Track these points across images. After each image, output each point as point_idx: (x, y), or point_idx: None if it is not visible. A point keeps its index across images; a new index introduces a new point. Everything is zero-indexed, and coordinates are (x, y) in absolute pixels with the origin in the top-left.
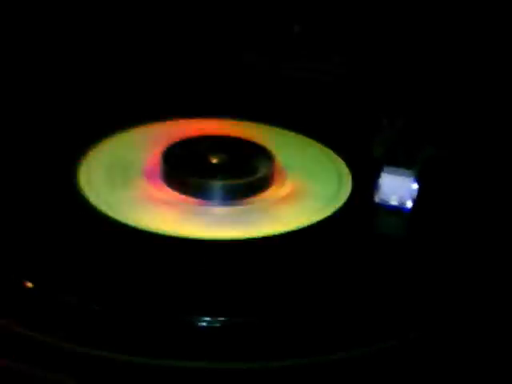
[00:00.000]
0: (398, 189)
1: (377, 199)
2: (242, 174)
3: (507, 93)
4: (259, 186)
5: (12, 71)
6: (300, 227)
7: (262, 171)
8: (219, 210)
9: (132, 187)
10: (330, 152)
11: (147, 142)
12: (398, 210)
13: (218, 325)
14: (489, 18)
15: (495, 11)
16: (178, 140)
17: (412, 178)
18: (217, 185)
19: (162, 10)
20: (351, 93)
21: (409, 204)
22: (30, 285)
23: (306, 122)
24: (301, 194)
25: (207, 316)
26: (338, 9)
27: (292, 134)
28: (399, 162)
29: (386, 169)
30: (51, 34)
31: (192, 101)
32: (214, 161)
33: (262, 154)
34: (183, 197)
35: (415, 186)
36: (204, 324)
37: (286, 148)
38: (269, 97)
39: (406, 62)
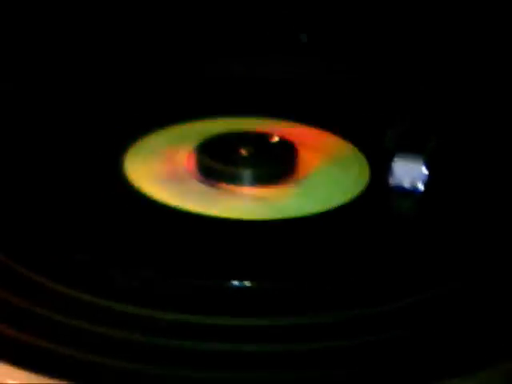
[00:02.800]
0: (409, 173)
1: (391, 183)
2: (267, 163)
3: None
4: (282, 174)
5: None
6: (326, 209)
7: (284, 162)
8: (252, 193)
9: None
10: (350, 145)
11: (186, 138)
12: (411, 191)
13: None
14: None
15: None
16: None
17: (422, 163)
18: (242, 172)
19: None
20: (364, 92)
21: (420, 186)
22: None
23: (326, 118)
24: (324, 181)
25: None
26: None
27: (313, 129)
28: (409, 151)
29: (397, 155)
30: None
31: (219, 102)
32: (243, 153)
33: (285, 147)
34: (213, 182)
35: (425, 170)
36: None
37: (309, 142)
38: (287, 98)
39: (410, 59)
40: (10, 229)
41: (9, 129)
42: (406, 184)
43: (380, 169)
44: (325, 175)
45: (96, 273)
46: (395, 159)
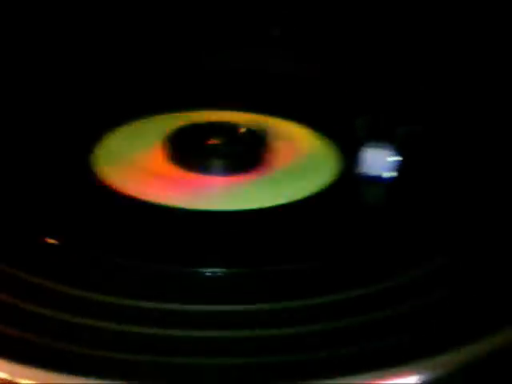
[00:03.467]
0: (379, 161)
1: (360, 171)
2: (237, 152)
3: (477, 72)
4: (254, 163)
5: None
6: (298, 199)
7: (256, 151)
8: (222, 183)
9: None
10: (321, 135)
11: (153, 132)
12: (380, 180)
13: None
14: None
15: None
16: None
17: (391, 151)
18: (215, 161)
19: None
20: (334, 83)
21: (389, 174)
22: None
23: (297, 110)
24: (295, 172)
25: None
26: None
27: (286, 121)
28: (379, 139)
29: (367, 144)
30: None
31: (191, 95)
32: (214, 142)
33: (256, 136)
34: (187, 173)
35: (394, 158)
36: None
37: (281, 133)
38: (262, 91)
39: (379, 48)
40: None
41: None
42: (377, 172)
43: (352, 158)
44: (296, 166)
45: (68, 261)
46: (365, 148)
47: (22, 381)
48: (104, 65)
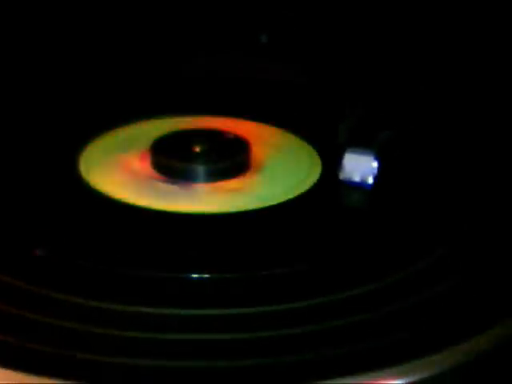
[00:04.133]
0: (359, 167)
1: (341, 177)
2: (220, 158)
3: (457, 75)
4: (236, 169)
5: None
6: (275, 203)
7: (238, 157)
8: (206, 188)
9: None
10: (302, 141)
11: (138, 138)
12: (361, 185)
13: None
14: None
15: None
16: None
17: (372, 157)
18: (199, 168)
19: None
20: (316, 90)
21: (370, 180)
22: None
23: (278, 116)
24: (275, 176)
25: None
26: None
27: (267, 126)
28: (360, 145)
29: (348, 149)
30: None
31: (178, 101)
32: (197, 149)
33: (239, 142)
34: (170, 179)
35: (375, 164)
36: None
37: (262, 138)
38: (244, 96)
39: (360, 54)
40: None
41: None
42: (356, 178)
43: (332, 164)
44: (276, 171)
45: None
46: (345, 153)
47: None
48: (92, 70)
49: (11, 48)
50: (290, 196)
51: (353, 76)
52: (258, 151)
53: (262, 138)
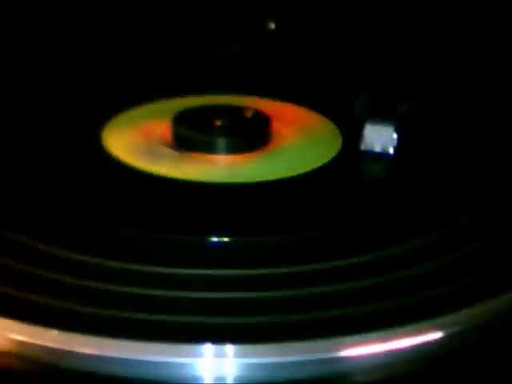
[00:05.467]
0: (380, 137)
1: (362, 147)
2: (240, 131)
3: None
4: (257, 142)
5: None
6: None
7: (259, 130)
8: (225, 160)
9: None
10: (323, 117)
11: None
12: (382, 156)
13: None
14: None
15: None
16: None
17: (392, 128)
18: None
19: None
20: (333, 67)
21: (391, 150)
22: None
23: (299, 95)
24: (297, 150)
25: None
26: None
27: (286, 103)
28: (381, 116)
29: (368, 121)
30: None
31: (198, 81)
32: (218, 123)
33: (259, 117)
34: (192, 152)
35: (395, 134)
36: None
37: (282, 114)
38: (263, 77)
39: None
40: None
41: None
42: (377, 149)
43: (353, 137)
44: (298, 145)
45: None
46: (366, 124)
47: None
48: (118, 54)
49: (41, 26)
50: (314, 166)
51: (372, 48)
52: (278, 126)
53: (281, 114)
